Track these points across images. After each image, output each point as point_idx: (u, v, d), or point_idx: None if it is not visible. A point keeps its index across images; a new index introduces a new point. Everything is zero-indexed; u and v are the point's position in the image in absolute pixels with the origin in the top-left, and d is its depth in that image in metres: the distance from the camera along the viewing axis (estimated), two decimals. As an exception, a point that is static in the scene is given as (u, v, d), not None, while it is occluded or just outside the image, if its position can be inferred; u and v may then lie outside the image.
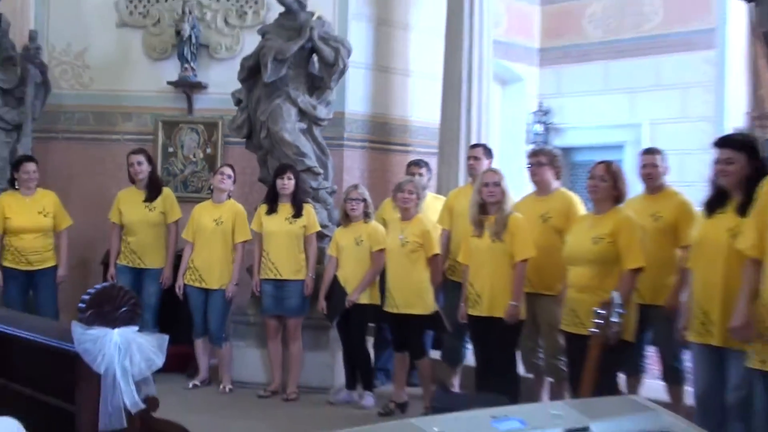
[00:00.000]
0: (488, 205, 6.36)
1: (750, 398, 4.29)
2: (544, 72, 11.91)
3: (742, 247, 4.11)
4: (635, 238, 5.57)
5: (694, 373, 4.87)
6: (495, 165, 7.27)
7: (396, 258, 7.06)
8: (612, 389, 4.90)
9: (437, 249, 7.11)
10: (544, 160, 6.78)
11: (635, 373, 6.33)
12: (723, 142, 4.81)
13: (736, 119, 10.37)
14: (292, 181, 7.67)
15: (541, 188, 6.81)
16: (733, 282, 4.53)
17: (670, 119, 10.70)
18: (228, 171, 7.94)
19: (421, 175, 7.76)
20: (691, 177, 8.65)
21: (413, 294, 7.00)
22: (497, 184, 6.33)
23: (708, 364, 4.70)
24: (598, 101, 11.44)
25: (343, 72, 8.28)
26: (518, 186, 7.34)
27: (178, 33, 9.06)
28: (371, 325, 7.67)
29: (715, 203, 4.79)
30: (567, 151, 11.89)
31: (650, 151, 6.47)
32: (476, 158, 7.41)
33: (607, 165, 5.75)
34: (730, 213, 4.68)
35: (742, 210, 4.58)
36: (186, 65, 9.07)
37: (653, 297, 5.79)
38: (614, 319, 4.72)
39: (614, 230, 5.55)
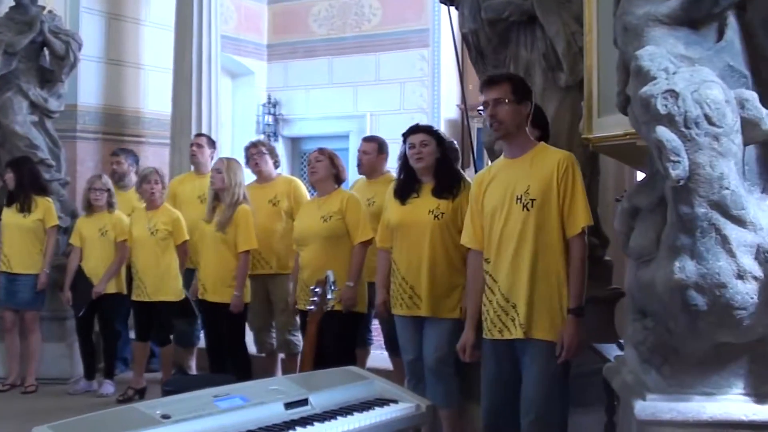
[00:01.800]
0: (220, 193, 6.26)
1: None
2: (273, 66, 11.96)
3: (464, 242, 4.26)
4: (362, 213, 5.66)
5: (401, 342, 4.96)
6: (228, 155, 7.23)
7: (145, 246, 6.85)
8: (350, 361, 4.96)
9: (186, 236, 6.95)
10: (264, 149, 6.87)
11: (363, 345, 6.45)
12: (415, 130, 4.95)
13: (448, 111, 10.86)
14: (11, 176, 7.34)
15: (264, 176, 6.84)
16: (437, 258, 4.72)
17: (390, 111, 11.02)
18: None
19: (120, 163, 7.71)
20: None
21: (163, 281, 6.84)
22: (219, 171, 6.23)
23: (414, 333, 4.83)
24: (324, 94, 11.63)
25: (74, 65, 8.08)
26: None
27: None
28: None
29: (407, 190, 4.90)
30: (296, 140, 12.05)
31: (366, 139, 6.62)
32: (199, 146, 7.41)
33: (320, 149, 5.87)
34: (426, 197, 4.82)
35: (437, 192, 4.78)
36: None
37: (371, 275, 5.87)
38: (330, 296, 4.78)
39: (342, 207, 5.62)
